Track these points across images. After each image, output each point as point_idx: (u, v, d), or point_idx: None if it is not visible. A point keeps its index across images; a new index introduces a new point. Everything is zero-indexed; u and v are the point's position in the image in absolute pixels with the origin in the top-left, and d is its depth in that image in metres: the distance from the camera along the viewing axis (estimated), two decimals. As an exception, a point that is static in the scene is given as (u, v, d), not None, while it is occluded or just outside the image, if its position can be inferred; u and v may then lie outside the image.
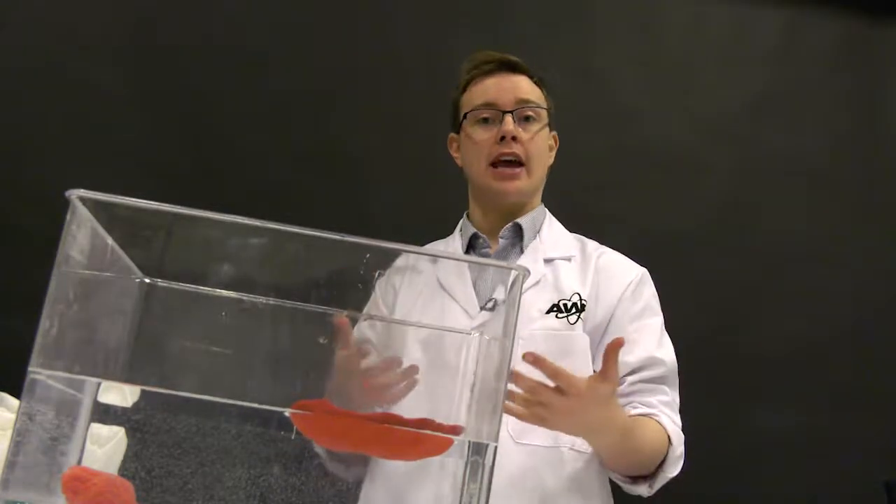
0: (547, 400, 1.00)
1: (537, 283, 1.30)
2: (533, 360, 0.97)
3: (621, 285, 1.32)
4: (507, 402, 1.02)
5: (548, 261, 1.34)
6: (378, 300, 1.32)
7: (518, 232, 1.37)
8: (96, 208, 0.69)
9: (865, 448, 2.06)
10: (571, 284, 1.30)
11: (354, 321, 0.92)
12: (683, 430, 1.25)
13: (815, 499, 2.02)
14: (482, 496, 0.67)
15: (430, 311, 1.28)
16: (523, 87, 1.35)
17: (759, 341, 2.14)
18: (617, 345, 1.01)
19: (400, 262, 1.32)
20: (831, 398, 2.11)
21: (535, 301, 1.28)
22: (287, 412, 0.68)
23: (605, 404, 1.05)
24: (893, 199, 2.29)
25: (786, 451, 2.07)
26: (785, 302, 2.18)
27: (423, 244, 1.44)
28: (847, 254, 2.22)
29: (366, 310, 1.29)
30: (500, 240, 1.37)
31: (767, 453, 2.08)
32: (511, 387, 1.01)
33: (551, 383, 1.01)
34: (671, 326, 1.35)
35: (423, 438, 0.69)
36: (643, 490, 1.23)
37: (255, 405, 0.69)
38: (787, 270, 2.20)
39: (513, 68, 1.36)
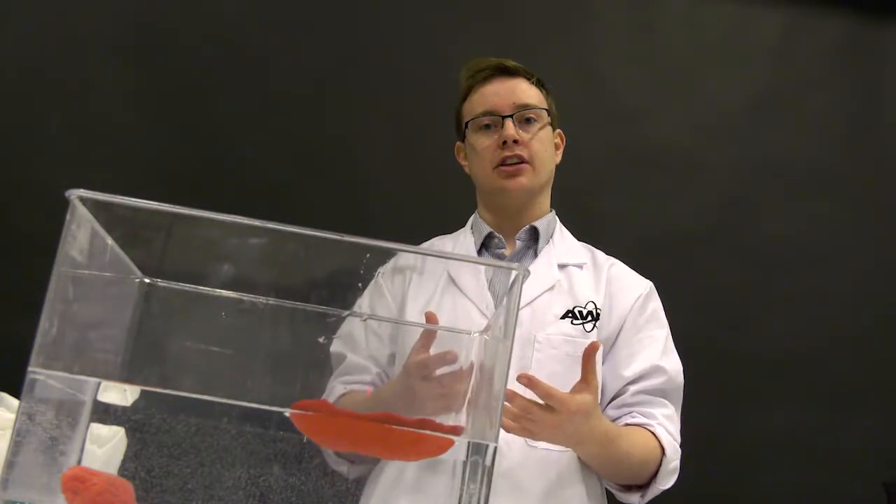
0: (537, 417, 1.05)
1: (552, 287, 1.31)
2: (527, 382, 1.02)
3: (631, 298, 1.33)
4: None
5: (561, 266, 1.34)
6: (385, 292, 1.32)
7: (534, 235, 1.38)
8: (96, 208, 0.69)
9: (865, 448, 2.06)
10: (586, 292, 1.31)
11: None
12: (684, 429, 1.25)
13: (815, 499, 2.02)
14: (482, 496, 0.66)
15: (441, 310, 1.27)
16: (521, 89, 1.35)
17: (759, 341, 2.14)
18: (592, 349, 1.05)
19: (407, 258, 1.32)
20: (831, 398, 2.11)
21: (550, 305, 1.29)
22: (287, 412, 0.68)
23: (588, 416, 1.08)
24: (893, 199, 2.29)
25: (786, 451, 2.07)
26: (785, 302, 2.18)
27: (422, 243, 1.44)
28: (847, 254, 2.22)
29: (368, 300, 1.30)
30: (517, 241, 1.37)
31: (767, 453, 2.08)
32: (505, 403, 1.03)
33: (540, 401, 1.05)
34: (671, 327, 1.35)
35: (423, 438, 0.69)
36: (634, 500, 1.24)
37: (255, 405, 0.69)
38: (787, 270, 2.20)
39: (510, 72, 1.36)
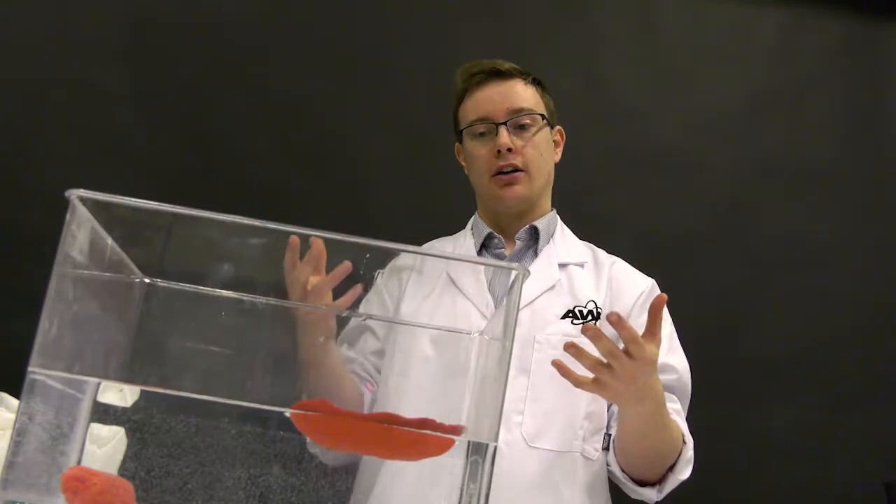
0: (619, 364, 0.99)
1: (552, 287, 1.30)
2: (617, 320, 0.96)
3: (633, 296, 1.32)
4: (560, 364, 1.02)
5: (562, 265, 1.34)
6: (383, 293, 1.32)
7: (534, 234, 1.37)
8: (96, 208, 0.69)
9: (865, 448, 2.06)
10: (586, 291, 1.31)
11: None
12: (684, 429, 1.24)
13: (815, 499, 2.02)
14: (482, 496, 0.67)
15: (441, 310, 1.27)
16: (516, 92, 1.33)
17: (759, 341, 2.14)
18: (661, 302, 0.99)
19: (406, 258, 1.32)
20: (831, 398, 2.11)
21: (550, 305, 1.28)
22: (287, 412, 0.68)
23: (654, 368, 1.03)
24: (894, 199, 2.28)
25: (786, 451, 2.07)
26: (785, 302, 2.18)
27: (422, 244, 1.44)
28: (847, 254, 2.22)
29: (367, 301, 1.30)
30: (517, 241, 1.37)
31: (767, 454, 2.07)
32: (583, 343, 0.99)
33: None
34: (671, 326, 1.35)
35: (423, 438, 0.69)
36: (651, 494, 1.22)
37: (255, 405, 0.69)
38: (787, 270, 2.20)
39: (504, 75, 1.34)
